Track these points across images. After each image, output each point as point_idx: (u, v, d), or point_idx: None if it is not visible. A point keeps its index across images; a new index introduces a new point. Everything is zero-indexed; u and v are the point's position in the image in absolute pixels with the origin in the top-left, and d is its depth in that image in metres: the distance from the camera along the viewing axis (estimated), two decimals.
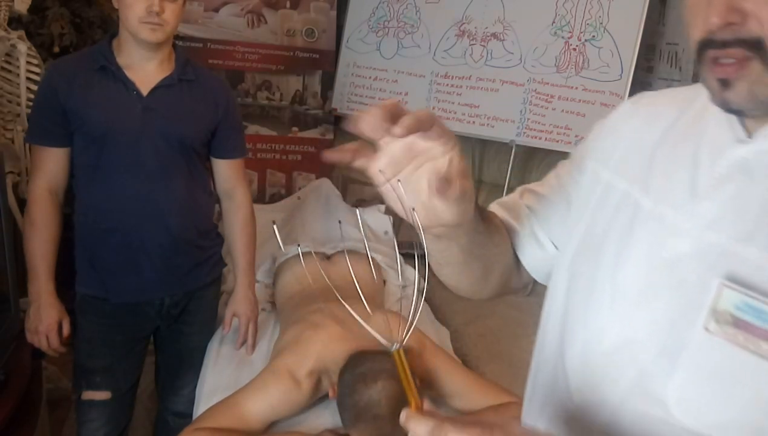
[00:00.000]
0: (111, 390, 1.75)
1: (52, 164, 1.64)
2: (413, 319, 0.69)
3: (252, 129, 3.51)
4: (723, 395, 0.58)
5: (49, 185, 1.64)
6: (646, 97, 0.79)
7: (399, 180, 0.65)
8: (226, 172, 1.84)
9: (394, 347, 0.68)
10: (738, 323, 0.57)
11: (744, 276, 0.58)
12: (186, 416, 1.81)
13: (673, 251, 0.64)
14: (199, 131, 1.73)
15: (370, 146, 0.64)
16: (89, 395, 1.74)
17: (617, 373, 0.66)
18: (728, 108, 0.60)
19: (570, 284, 0.75)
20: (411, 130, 0.60)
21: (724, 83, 0.58)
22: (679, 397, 0.61)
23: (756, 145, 0.61)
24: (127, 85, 1.62)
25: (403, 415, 0.60)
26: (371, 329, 0.70)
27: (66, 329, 1.67)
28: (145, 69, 1.64)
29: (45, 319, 1.63)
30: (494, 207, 0.93)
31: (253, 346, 1.90)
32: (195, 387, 1.84)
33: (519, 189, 0.95)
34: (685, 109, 0.71)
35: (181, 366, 1.89)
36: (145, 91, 1.63)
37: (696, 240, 0.62)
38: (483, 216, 0.81)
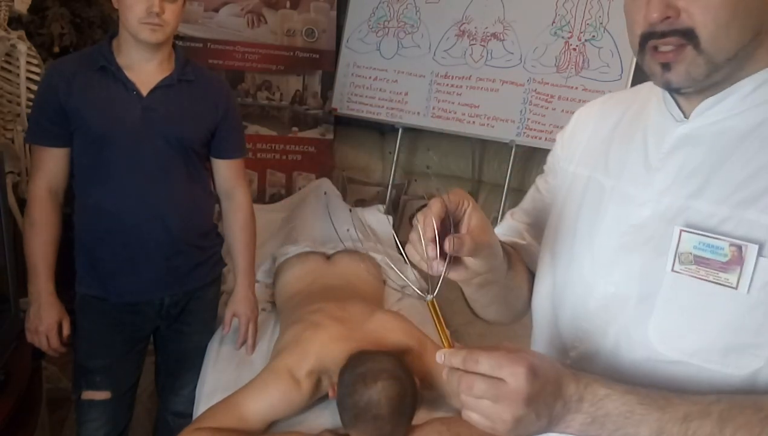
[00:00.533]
0: (111, 390, 1.75)
1: (52, 164, 1.65)
2: (445, 273, 0.81)
3: (252, 129, 3.51)
4: (696, 324, 0.71)
5: (49, 185, 1.65)
6: (597, 103, 0.96)
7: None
8: (226, 173, 1.84)
9: (428, 297, 0.83)
10: (698, 260, 0.71)
11: (698, 223, 0.72)
12: (186, 416, 1.81)
13: (638, 218, 0.78)
14: (199, 132, 1.73)
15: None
16: (89, 394, 1.74)
17: (605, 326, 0.79)
18: (669, 87, 0.75)
19: (553, 262, 0.89)
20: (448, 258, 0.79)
21: (665, 67, 0.72)
22: (660, 334, 0.73)
23: (694, 123, 0.76)
24: (127, 85, 1.62)
25: (439, 355, 0.77)
26: (406, 279, 0.81)
27: (66, 329, 1.68)
28: (145, 69, 1.64)
29: (45, 319, 1.63)
30: None
31: (253, 346, 1.90)
32: (195, 387, 1.84)
33: (507, 213, 1.07)
34: (630, 104, 0.88)
35: (182, 366, 1.89)
36: (145, 91, 1.63)
37: (655, 205, 0.77)
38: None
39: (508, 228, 1.03)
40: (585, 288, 0.82)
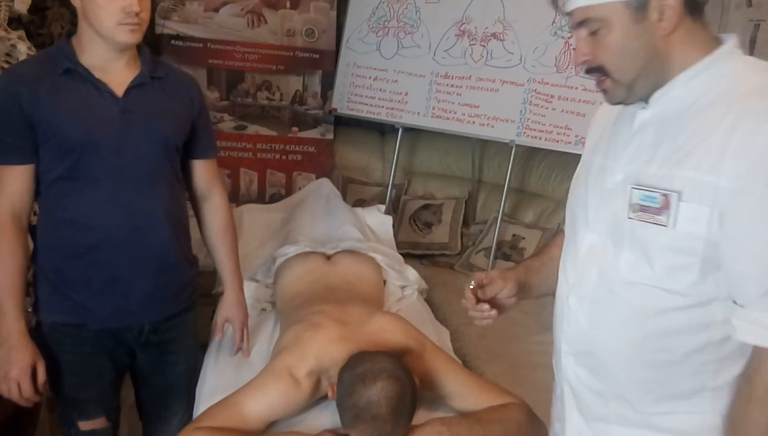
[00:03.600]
0: (105, 416, 1.63)
1: (16, 185, 1.47)
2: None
3: (252, 129, 3.51)
4: (648, 254, 1.00)
5: (13, 209, 1.47)
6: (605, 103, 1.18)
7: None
8: (203, 174, 1.73)
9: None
10: (642, 208, 0.99)
11: (645, 182, 1.00)
12: None
13: (612, 183, 1.06)
14: (180, 130, 1.62)
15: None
16: (88, 425, 1.61)
17: (590, 267, 1.09)
18: (612, 103, 1.08)
19: (566, 228, 1.21)
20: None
21: (603, 91, 1.06)
22: (627, 265, 1.03)
23: (651, 109, 1.04)
24: (99, 87, 1.48)
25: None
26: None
27: (41, 375, 1.47)
28: (114, 69, 1.51)
29: (17, 363, 1.43)
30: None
31: (249, 349, 1.85)
32: (186, 415, 1.74)
33: None
34: None
35: (169, 396, 1.76)
36: (119, 92, 1.50)
37: (623, 172, 1.04)
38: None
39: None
40: (578, 241, 1.12)
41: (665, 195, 0.96)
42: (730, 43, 1.01)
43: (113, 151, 1.49)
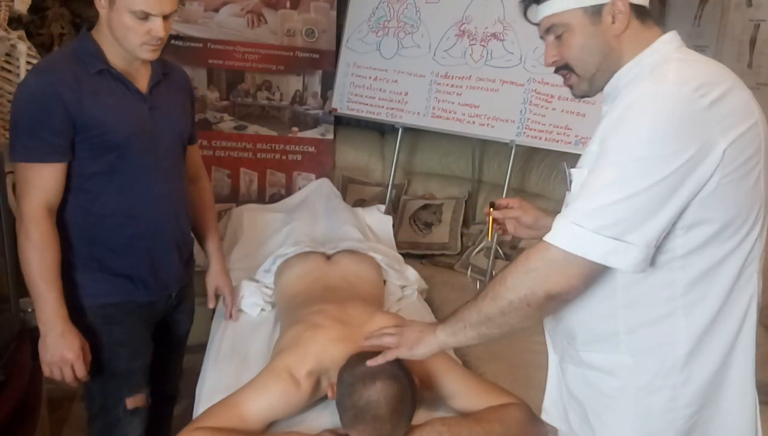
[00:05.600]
0: (146, 390, 1.72)
1: (53, 181, 1.53)
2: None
3: (252, 129, 3.51)
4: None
5: (48, 204, 1.54)
6: None
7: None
8: (193, 158, 1.92)
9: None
10: (564, 182, 1.21)
11: (585, 160, 1.15)
12: (172, 398, 2.00)
13: (582, 164, 1.18)
14: (188, 122, 1.80)
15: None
16: (133, 402, 1.69)
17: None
18: (577, 97, 1.26)
19: None
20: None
21: (569, 87, 1.24)
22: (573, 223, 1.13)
23: (607, 105, 1.19)
24: (129, 87, 1.60)
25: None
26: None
27: (88, 355, 1.58)
28: (136, 68, 1.62)
29: (70, 346, 1.53)
30: None
31: (237, 314, 2.09)
32: (180, 369, 1.99)
33: None
34: None
35: (172, 351, 1.94)
36: (143, 91, 1.63)
37: (588, 154, 1.16)
38: None
39: None
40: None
41: (565, 166, 1.21)
42: (662, 39, 1.16)
43: (149, 147, 1.62)
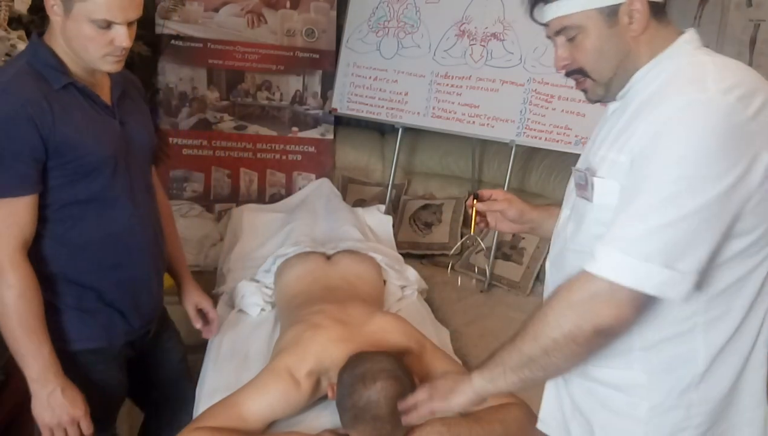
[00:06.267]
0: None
1: (28, 217, 1.35)
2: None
3: (252, 129, 3.51)
4: (581, 225, 1.13)
5: (25, 244, 1.35)
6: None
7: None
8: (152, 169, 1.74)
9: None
10: (578, 187, 1.14)
11: (592, 164, 1.11)
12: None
13: (584, 166, 1.15)
14: (153, 132, 1.61)
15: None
16: None
17: (556, 240, 1.24)
18: (592, 102, 1.18)
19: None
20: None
21: (583, 91, 1.17)
22: (570, 237, 1.16)
23: (617, 103, 1.14)
24: (96, 101, 1.43)
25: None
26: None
27: (87, 407, 1.44)
28: (98, 79, 1.45)
29: (74, 402, 1.39)
30: None
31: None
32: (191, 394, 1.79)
33: None
34: None
35: (181, 377, 1.82)
36: (109, 103, 1.46)
37: (592, 156, 1.13)
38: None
39: None
40: (560, 215, 1.25)
41: (585, 174, 1.10)
42: (682, 39, 1.09)
43: (123, 167, 1.46)
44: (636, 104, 1.07)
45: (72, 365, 1.44)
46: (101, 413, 1.51)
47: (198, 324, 1.84)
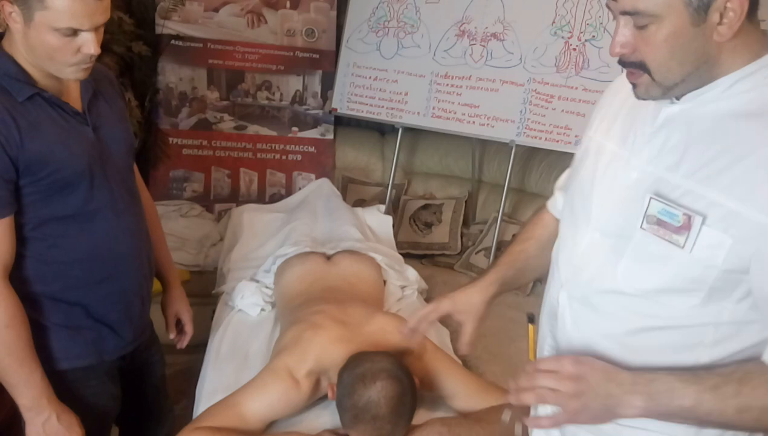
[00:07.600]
0: None
1: (6, 240, 1.27)
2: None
3: (252, 129, 3.51)
4: (652, 270, 0.92)
5: (6, 269, 1.28)
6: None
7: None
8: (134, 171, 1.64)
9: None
10: (659, 222, 0.91)
11: (666, 193, 0.91)
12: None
13: (627, 180, 0.96)
14: (130, 131, 1.52)
15: None
16: None
17: (586, 265, 1.01)
18: (639, 98, 0.95)
19: (563, 215, 1.15)
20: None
21: (633, 85, 0.94)
22: (624, 274, 0.95)
23: (680, 106, 0.93)
24: (66, 109, 1.33)
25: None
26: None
27: (83, 429, 1.40)
28: (66, 84, 1.35)
29: (71, 426, 1.35)
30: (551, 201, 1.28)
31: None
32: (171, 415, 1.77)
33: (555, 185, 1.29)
34: None
35: (159, 394, 1.73)
36: (80, 110, 1.37)
37: (641, 171, 0.95)
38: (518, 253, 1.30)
39: (554, 201, 1.27)
40: (578, 235, 1.04)
41: (689, 216, 0.87)
42: None
43: (101, 176, 1.37)
44: (727, 123, 0.88)
45: (63, 385, 1.39)
46: (96, 429, 1.48)
47: (172, 334, 1.75)
